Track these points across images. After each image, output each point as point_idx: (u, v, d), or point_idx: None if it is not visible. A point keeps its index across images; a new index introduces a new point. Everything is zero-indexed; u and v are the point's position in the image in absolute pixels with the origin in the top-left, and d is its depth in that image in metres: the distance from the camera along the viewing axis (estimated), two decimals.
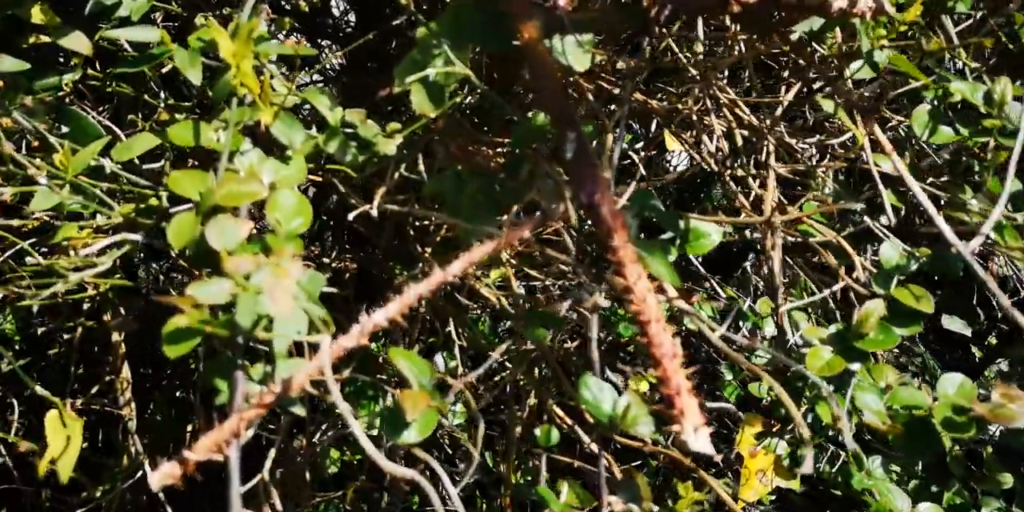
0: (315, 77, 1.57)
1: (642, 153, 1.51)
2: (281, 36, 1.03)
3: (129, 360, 1.23)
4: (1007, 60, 1.04)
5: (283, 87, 0.83)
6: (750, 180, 1.02)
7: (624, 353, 1.65)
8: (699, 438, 0.60)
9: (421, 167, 0.97)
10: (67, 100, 0.97)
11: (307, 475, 1.27)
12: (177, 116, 0.96)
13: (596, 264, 0.96)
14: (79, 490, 1.23)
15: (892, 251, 0.91)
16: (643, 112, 1.22)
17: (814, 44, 0.93)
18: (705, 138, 1.08)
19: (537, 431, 0.94)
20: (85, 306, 1.16)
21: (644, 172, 1.46)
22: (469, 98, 1.06)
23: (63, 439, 0.78)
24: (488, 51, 1.06)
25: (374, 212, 0.86)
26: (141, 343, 1.31)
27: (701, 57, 1.04)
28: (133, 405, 1.21)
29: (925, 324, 0.92)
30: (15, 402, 1.00)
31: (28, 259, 0.83)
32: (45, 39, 0.90)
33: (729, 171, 1.05)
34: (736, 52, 1.03)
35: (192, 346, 0.64)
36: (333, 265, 1.36)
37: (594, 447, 0.90)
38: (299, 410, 0.70)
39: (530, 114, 0.84)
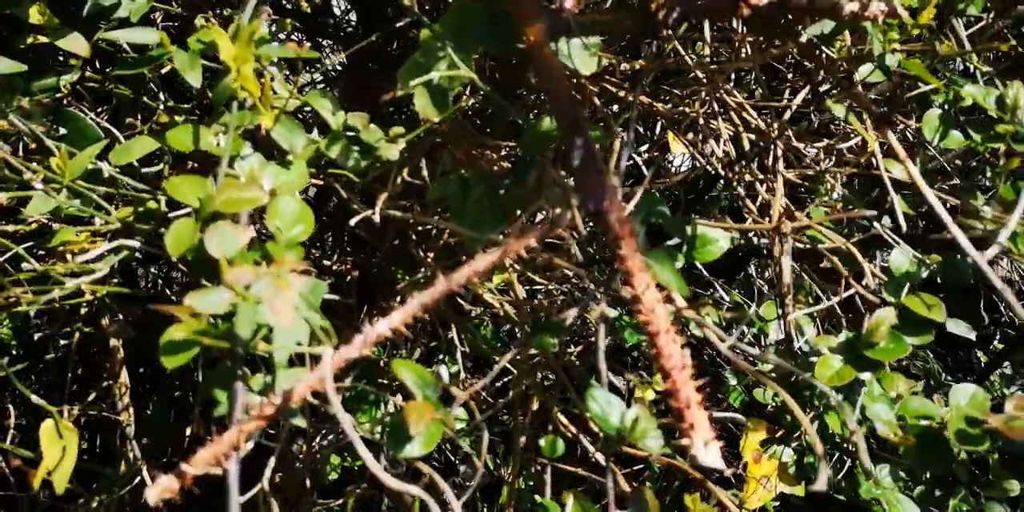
0: (315, 77, 1.56)
1: (644, 156, 1.50)
2: (282, 37, 1.01)
3: (127, 363, 1.22)
4: (1019, 62, 1.02)
5: (284, 90, 0.82)
6: (757, 185, 1.00)
7: (628, 358, 1.64)
8: (709, 452, 0.59)
9: (424, 172, 0.96)
10: (65, 102, 0.96)
11: (307, 482, 1.26)
12: (176, 119, 0.95)
13: (602, 271, 0.95)
14: (76, 497, 1.21)
15: (902, 258, 0.89)
16: (647, 114, 1.21)
17: (823, 47, 0.92)
18: (712, 142, 1.07)
19: (542, 441, 0.93)
20: (83, 311, 1.14)
21: (647, 174, 1.44)
22: (472, 101, 1.05)
23: (59, 450, 0.76)
24: (492, 54, 1.05)
25: (376, 217, 0.84)
26: (140, 347, 1.30)
27: (708, 60, 1.03)
28: (131, 410, 1.20)
29: None
30: (11, 408, 0.99)
31: (24, 265, 0.82)
32: (43, 40, 0.89)
33: (736, 175, 1.03)
34: (743, 55, 1.01)
35: (190, 357, 0.62)
36: (334, 268, 1.35)
37: (600, 458, 0.89)
38: (300, 422, 0.68)
39: (537, 118, 0.83)
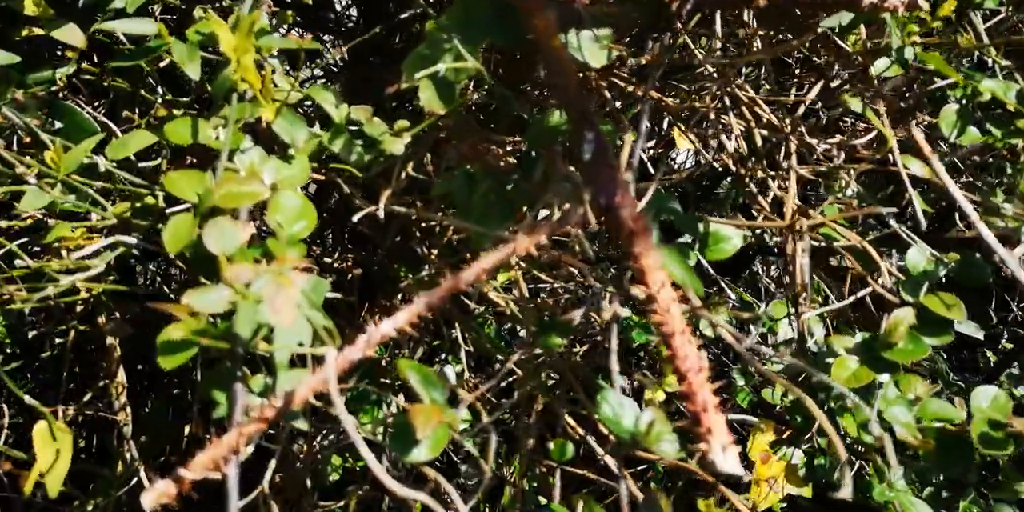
0: (316, 72, 1.53)
1: (650, 152, 1.48)
2: (283, 30, 0.99)
3: (125, 361, 1.20)
4: None
5: (285, 83, 0.80)
6: (769, 181, 0.98)
7: (634, 358, 1.62)
8: (727, 458, 0.56)
9: (429, 167, 0.94)
10: (61, 95, 0.94)
11: (308, 483, 1.24)
12: (175, 112, 0.93)
13: (609, 269, 0.93)
14: (72, 498, 1.19)
15: (920, 257, 0.87)
16: (654, 110, 1.19)
17: (838, 41, 0.90)
18: (723, 137, 1.05)
19: (551, 444, 0.91)
20: (79, 309, 1.12)
21: (653, 171, 1.42)
22: (476, 96, 1.03)
23: (52, 452, 0.74)
24: (496, 49, 1.03)
25: (380, 213, 0.82)
26: (137, 345, 1.28)
27: (719, 54, 1.01)
28: (128, 410, 1.18)
29: None
30: (5, 408, 0.97)
31: (18, 261, 0.80)
32: (38, 31, 0.87)
33: (748, 172, 1.01)
34: (755, 49, 0.99)
35: (188, 357, 0.60)
36: (335, 266, 1.33)
37: (608, 460, 0.87)
38: (302, 424, 0.66)
39: (545, 112, 0.81)
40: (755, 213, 1.11)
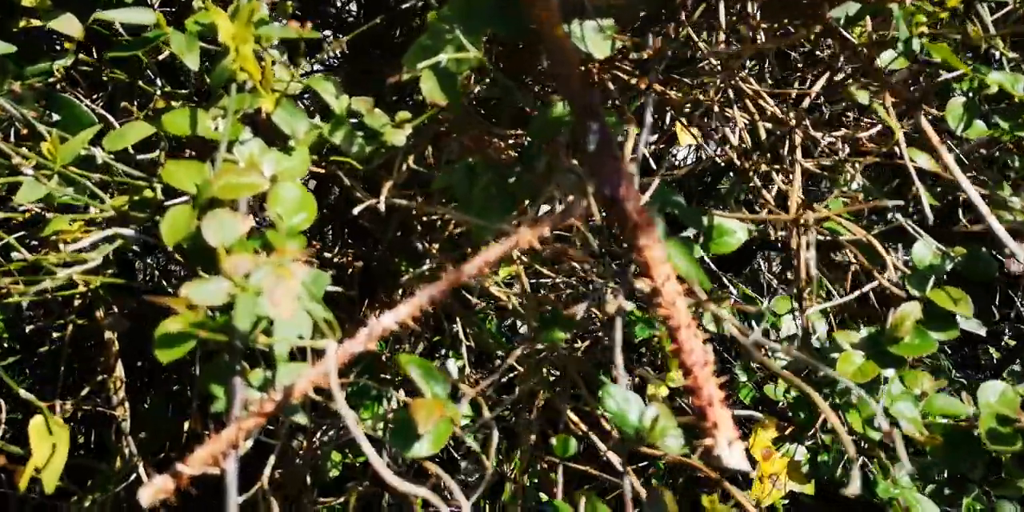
0: (316, 67, 1.52)
1: (652, 146, 1.47)
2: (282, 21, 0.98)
3: (123, 356, 1.20)
4: None
5: (286, 73, 0.79)
6: (774, 175, 0.97)
7: (637, 354, 1.61)
8: (733, 453, 0.56)
9: (430, 160, 0.93)
10: (58, 86, 0.93)
11: (308, 479, 1.23)
12: (173, 103, 0.92)
13: (611, 263, 0.92)
14: (70, 494, 1.18)
15: (925, 250, 0.86)
16: (657, 104, 1.18)
17: (843, 32, 0.89)
18: (727, 131, 1.04)
19: (553, 440, 0.90)
20: (76, 303, 1.12)
21: (655, 166, 1.42)
22: (478, 89, 1.02)
23: (48, 447, 0.73)
24: (498, 40, 1.02)
25: (381, 206, 0.81)
26: (135, 339, 1.27)
27: (723, 46, 0.99)
28: (127, 405, 1.17)
29: None
30: (2, 402, 0.96)
31: (15, 254, 0.79)
32: (36, 22, 0.86)
33: (752, 165, 1.00)
34: (759, 41, 0.98)
35: (186, 350, 0.59)
36: (335, 260, 1.32)
37: (611, 456, 0.86)
38: (302, 419, 0.65)
39: (546, 104, 0.80)
40: (758, 208, 1.10)
